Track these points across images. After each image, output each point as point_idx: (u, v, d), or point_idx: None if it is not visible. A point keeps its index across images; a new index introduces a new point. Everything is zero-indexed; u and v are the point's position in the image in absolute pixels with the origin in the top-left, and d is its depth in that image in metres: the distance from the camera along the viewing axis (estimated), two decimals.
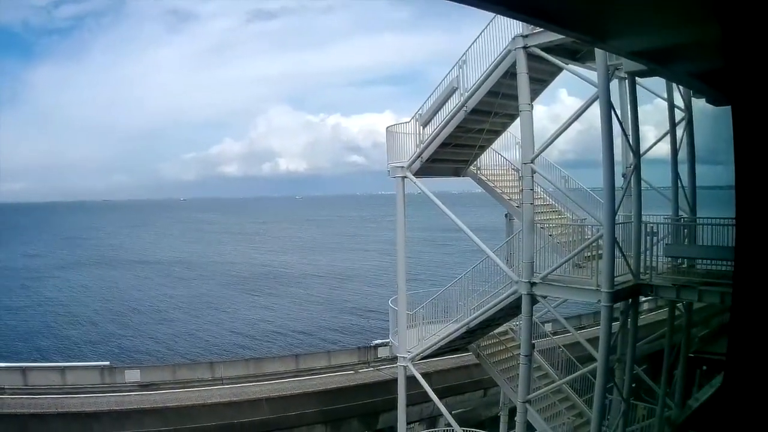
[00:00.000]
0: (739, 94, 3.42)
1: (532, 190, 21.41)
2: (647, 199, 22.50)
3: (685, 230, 23.49)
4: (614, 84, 22.41)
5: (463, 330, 24.75)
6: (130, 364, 53.61)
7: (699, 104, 24.53)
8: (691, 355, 28.83)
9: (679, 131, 24.39)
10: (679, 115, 24.49)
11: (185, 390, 38.61)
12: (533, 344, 22.89)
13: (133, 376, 39.33)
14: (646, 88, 23.31)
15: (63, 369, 39.00)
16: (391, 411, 33.42)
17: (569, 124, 20.74)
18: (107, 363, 41.64)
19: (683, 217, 24.09)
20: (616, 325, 21.94)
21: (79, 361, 50.31)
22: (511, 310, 23.79)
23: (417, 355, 26.56)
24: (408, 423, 29.43)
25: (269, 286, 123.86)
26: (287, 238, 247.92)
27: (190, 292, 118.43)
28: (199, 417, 35.43)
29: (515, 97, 21.28)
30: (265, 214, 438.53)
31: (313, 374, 41.91)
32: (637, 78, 21.66)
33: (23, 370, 37.89)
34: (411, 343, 26.77)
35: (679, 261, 22.38)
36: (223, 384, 40.09)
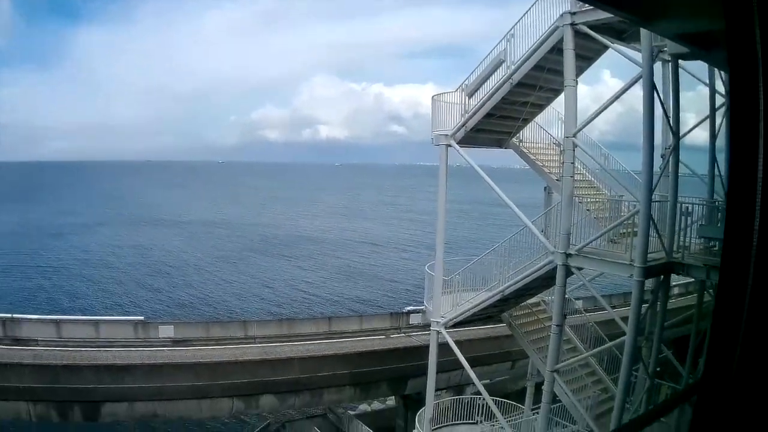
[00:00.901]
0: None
1: (573, 164, 21.77)
2: (684, 184, 22.77)
3: (719, 213, 23.78)
4: (657, 67, 22.68)
5: (498, 297, 25.19)
6: (165, 319, 54.27)
7: None
8: None
9: (719, 117, 24.60)
10: (719, 100, 24.69)
11: (218, 347, 39.13)
12: (565, 315, 23.33)
13: (166, 331, 39.79)
14: (688, 72, 23.58)
15: (97, 323, 39.51)
16: (420, 377, 33.93)
17: (613, 101, 21.08)
18: (141, 318, 42.05)
19: (718, 200, 24.35)
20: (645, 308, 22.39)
21: (113, 315, 51.10)
22: (545, 281, 24.21)
23: (450, 320, 27.07)
24: (435, 390, 29.90)
25: (305, 250, 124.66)
26: (324, 203, 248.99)
27: (226, 253, 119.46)
28: (231, 373, 35.96)
29: (560, 73, 21.55)
30: (305, 180, 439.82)
31: (344, 337, 42.31)
32: (680, 61, 22.02)
33: (57, 322, 38.28)
34: (445, 308, 27.31)
35: (712, 243, 22.65)
36: (255, 342, 40.56)
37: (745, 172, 2.87)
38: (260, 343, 40.48)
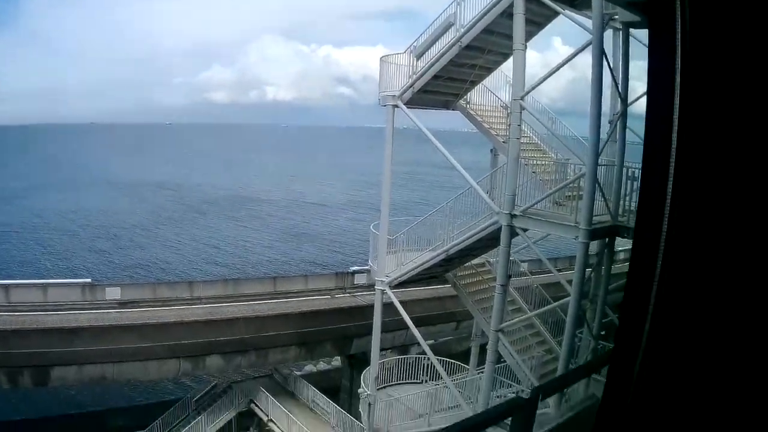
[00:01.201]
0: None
1: (520, 126, 21.87)
2: (634, 152, 22.94)
3: None
4: (608, 35, 22.83)
5: (442, 257, 25.34)
6: (111, 281, 54.15)
7: None
8: None
9: None
10: None
11: (164, 308, 39.46)
12: (509, 275, 23.50)
13: (113, 293, 40.03)
14: (639, 41, 23.72)
15: (45, 286, 39.52)
16: (364, 337, 34.25)
17: (561, 66, 21.08)
18: (88, 280, 42.40)
19: None
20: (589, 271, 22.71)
21: (61, 279, 50.90)
22: (490, 241, 24.25)
23: (395, 279, 27.22)
24: (380, 349, 30.08)
25: (251, 211, 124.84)
26: (270, 164, 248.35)
27: (172, 215, 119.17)
28: (177, 334, 36.20)
29: (510, 37, 21.45)
30: (251, 141, 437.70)
31: (289, 297, 42.57)
32: (630, 30, 22.25)
33: (6, 287, 38.31)
34: (390, 268, 27.44)
35: None
36: (201, 303, 40.80)
37: (660, 141, 2.90)
38: (206, 303, 40.83)
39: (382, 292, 27.54)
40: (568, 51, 22.46)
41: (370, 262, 29.74)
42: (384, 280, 27.26)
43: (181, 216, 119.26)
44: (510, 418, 5.21)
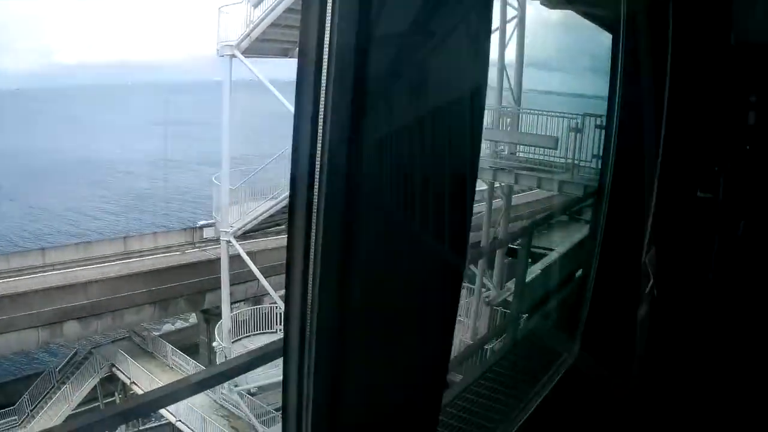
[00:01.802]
0: None
1: None
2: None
3: (508, 119, 24.39)
4: None
5: (284, 203, 25.15)
6: None
7: (534, 4, 25.20)
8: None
9: (510, 29, 25.16)
10: (511, 12, 25.19)
11: (18, 278, 38.34)
12: None
13: None
14: None
15: None
16: (216, 290, 33.89)
17: None
18: None
19: (506, 107, 25.00)
20: None
21: None
22: None
23: (239, 229, 27.23)
24: (233, 302, 29.93)
25: (95, 174, 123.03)
26: (113, 124, 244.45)
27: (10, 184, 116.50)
28: (33, 304, 35.33)
29: None
30: (96, 101, 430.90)
31: (141, 256, 42.15)
32: None
33: None
34: (234, 219, 27.38)
35: (500, 147, 23.30)
36: (54, 270, 40.05)
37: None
38: (59, 269, 40.06)
39: (228, 243, 27.47)
40: None
41: (213, 214, 29.56)
42: (228, 231, 27.18)
43: (22, 184, 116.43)
44: None
